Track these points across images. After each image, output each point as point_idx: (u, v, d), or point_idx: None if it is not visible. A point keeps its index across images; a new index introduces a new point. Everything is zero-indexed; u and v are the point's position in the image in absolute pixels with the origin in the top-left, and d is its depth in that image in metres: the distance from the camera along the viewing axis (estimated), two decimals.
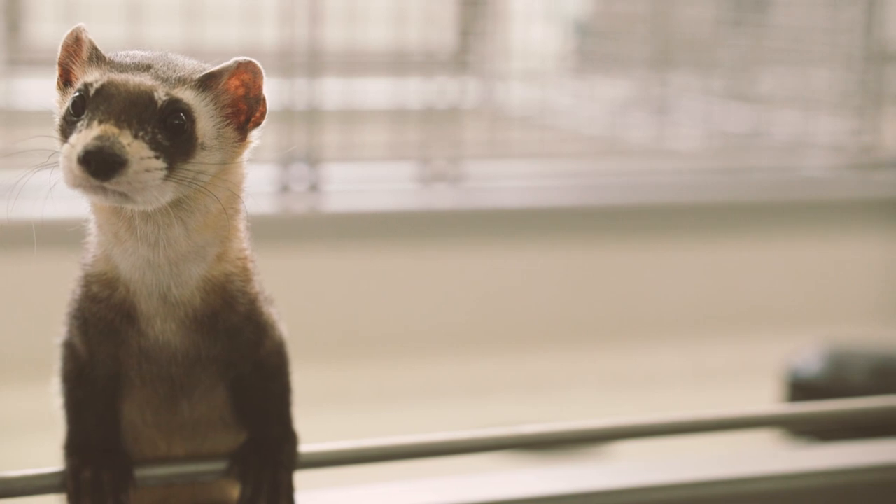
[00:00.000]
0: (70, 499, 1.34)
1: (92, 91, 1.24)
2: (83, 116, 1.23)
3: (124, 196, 1.21)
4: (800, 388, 3.10)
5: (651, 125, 4.00)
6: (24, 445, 2.05)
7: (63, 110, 1.26)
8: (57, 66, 1.31)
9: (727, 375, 3.38)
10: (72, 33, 1.30)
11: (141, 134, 1.22)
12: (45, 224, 3.38)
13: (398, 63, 3.61)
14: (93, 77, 1.26)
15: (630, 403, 3.16)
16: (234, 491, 1.49)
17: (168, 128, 1.24)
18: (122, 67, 1.27)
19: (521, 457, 2.56)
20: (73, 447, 1.37)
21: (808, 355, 3.18)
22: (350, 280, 3.37)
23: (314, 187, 3.32)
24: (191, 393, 1.38)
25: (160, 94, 1.24)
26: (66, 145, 1.22)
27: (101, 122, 1.21)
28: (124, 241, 1.30)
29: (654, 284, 3.69)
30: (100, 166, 1.19)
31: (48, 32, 3.47)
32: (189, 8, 3.30)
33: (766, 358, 3.29)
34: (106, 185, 1.20)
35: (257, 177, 3.24)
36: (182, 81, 1.28)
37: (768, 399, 3.11)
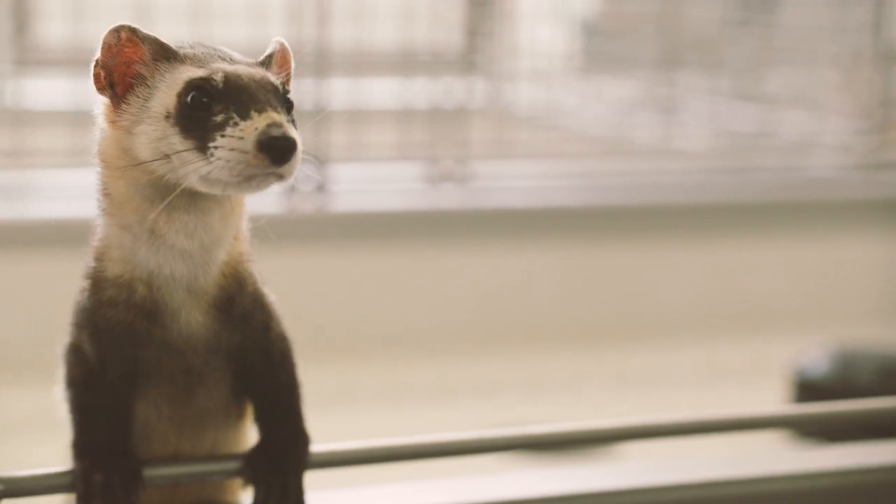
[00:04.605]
0: (81, 502, 1.34)
1: (219, 84, 1.24)
2: (218, 109, 1.23)
3: (281, 179, 1.23)
4: (807, 389, 3.10)
5: (658, 125, 3.99)
6: (24, 446, 2.06)
7: (174, 107, 1.25)
8: (96, 68, 1.29)
9: (734, 376, 3.38)
10: (115, 33, 1.29)
11: (286, 117, 1.25)
12: (45, 224, 3.39)
13: (405, 63, 3.61)
14: (194, 72, 1.26)
15: (637, 404, 3.16)
16: (238, 490, 1.50)
17: (286, 110, 1.28)
18: (208, 58, 1.28)
19: (529, 457, 2.56)
20: (82, 449, 1.37)
21: (815, 356, 3.17)
22: (357, 280, 3.38)
23: (321, 187, 3.33)
24: (207, 381, 1.38)
25: (274, 80, 1.28)
26: (231, 138, 1.21)
27: (259, 111, 1.23)
28: (160, 236, 1.29)
29: (660, 284, 3.68)
30: (281, 152, 1.21)
31: (56, 32, 3.48)
32: (196, 7, 3.30)
33: (773, 358, 3.28)
34: (279, 170, 1.22)
35: None
36: (260, 66, 1.32)
37: (775, 400, 3.10)
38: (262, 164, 1.21)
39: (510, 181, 3.61)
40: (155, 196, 1.28)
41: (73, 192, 3.16)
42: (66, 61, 3.31)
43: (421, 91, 3.61)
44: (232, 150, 1.21)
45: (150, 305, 1.32)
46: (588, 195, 3.66)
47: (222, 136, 1.22)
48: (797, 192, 3.85)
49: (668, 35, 4.06)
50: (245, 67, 1.28)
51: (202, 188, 1.25)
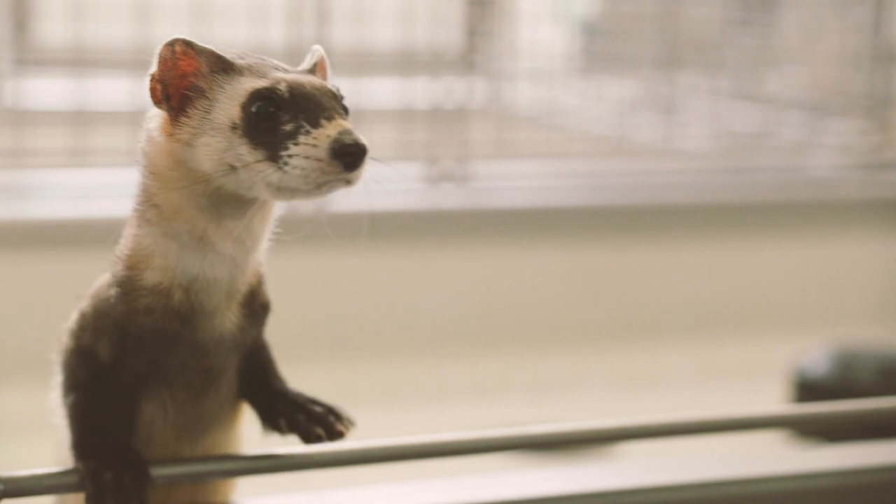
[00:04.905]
0: (90, 501, 1.33)
1: (284, 94, 1.26)
2: (286, 118, 1.25)
3: (349, 185, 1.26)
4: (807, 389, 3.10)
5: (659, 125, 3.99)
6: (24, 446, 2.05)
7: (240, 118, 1.26)
8: (152, 82, 1.30)
9: (735, 376, 3.38)
10: (169, 47, 1.29)
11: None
12: (45, 224, 3.39)
13: (405, 63, 3.61)
14: (257, 82, 1.27)
15: (637, 404, 3.16)
16: (232, 491, 1.51)
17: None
18: (265, 68, 1.30)
19: (529, 457, 2.56)
20: (88, 449, 1.37)
21: (815, 356, 3.17)
22: (356, 280, 3.37)
23: None
24: (220, 382, 1.40)
25: (333, 88, 1.31)
26: (304, 146, 1.24)
27: (328, 118, 1.25)
28: (209, 244, 1.31)
29: (661, 284, 3.68)
30: (354, 158, 1.24)
31: (56, 32, 3.47)
32: (196, 7, 3.30)
33: (773, 358, 3.28)
34: (350, 175, 1.25)
35: None
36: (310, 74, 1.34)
37: (776, 399, 3.10)
38: (336, 170, 1.24)
39: (510, 181, 3.61)
40: (207, 205, 1.29)
41: (73, 192, 3.16)
42: (66, 61, 3.31)
43: (421, 91, 3.61)
44: (306, 157, 1.23)
45: (187, 310, 1.33)
46: (588, 195, 3.66)
47: (294, 144, 1.24)
48: (797, 192, 3.85)
49: (668, 35, 4.06)
50: (305, 76, 1.31)
51: (269, 196, 1.28)
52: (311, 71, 1.36)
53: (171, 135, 1.29)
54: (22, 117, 3.23)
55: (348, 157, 1.24)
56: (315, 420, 1.43)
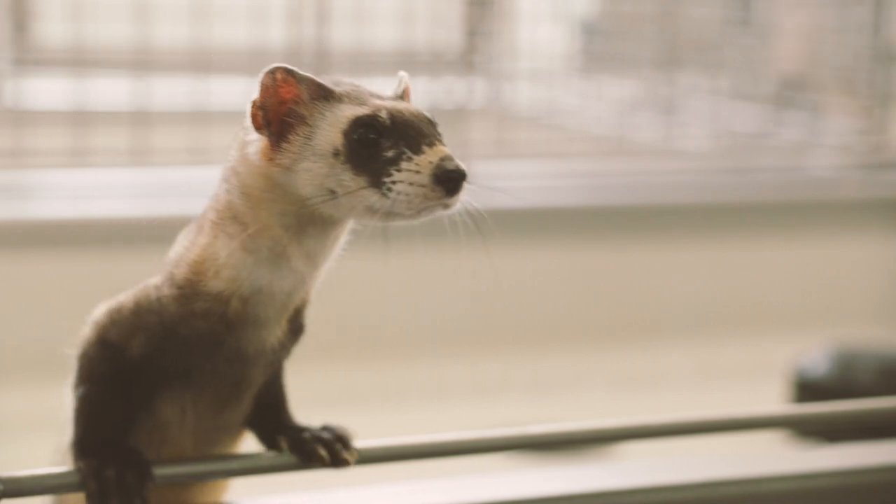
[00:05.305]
0: (93, 499, 1.34)
1: (386, 121, 1.29)
2: (387, 145, 1.28)
3: (447, 209, 1.31)
4: (807, 389, 3.10)
5: (659, 125, 3.99)
6: (24, 446, 2.05)
7: (342, 145, 1.29)
8: (254, 109, 1.32)
9: (734, 376, 3.38)
10: (270, 75, 1.31)
11: None
12: (45, 224, 3.39)
13: (405, 63, 3.61)
14: (358, 110, 1.30)
15: (637, 404, 3.16)
16: (225, 492, 1.52)
17: None
18: (364, 96, 1.33)
19: (529, 457, 2.56)
20: (89, 447, 1.38)
21: (815, 356, 3.17)
22: (356, 280, 3.37)
23: None
24: (247, 392, 1.42)
25: (429, 114, 1.35)
26: (408, 172, 1.27)
27: (429, 144, 1.29)
28: (286, 259, 1.34)
29: (661, 284, 3.68)
30: (456, 183, 1.28)
31: (56, 32, 3.47)
32: (196, 7, 3.30)
33: (773, 358, 3.28)
34: (450, 200, 1.29)
35: None
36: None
37: (775, 399, 3.10)
38: (438, 195, 1.28)
39: (510, 181, 3.61)
40: (294, 225, 1.33)
41: (72, 192, 3.16)
42: (66, 61, 3.31)
43: (421, 91, 3.61)
44: (410, 183, 1.27)
45: (240, 319, 1.35)
46: (588, 195, 3.66)
47: (397, 170, 1.28)
48: (797, 192, 3.85)
49: (667, 35, 4.06)
50: (402, 103, 1.35)
51: (368, 220, 1.33)
52: (400, 97, 1.39)
53: (270, 159, 1.31)
54: (22, 117, 3.23)
55: (450, 182, 1.28)
56: (320, 442, 1.45)
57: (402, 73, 1.42)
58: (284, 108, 1.31)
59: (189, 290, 1.35)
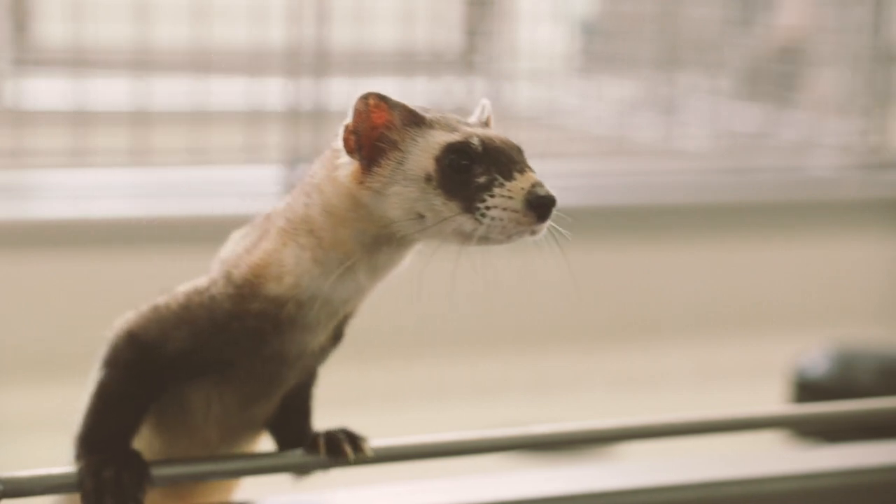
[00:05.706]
0: (88, 498, 1.35)
1: (478, 147, 1.31)
2: (479, 171, 1.30)
3: (535, 234, 1.35)
4: (807, 389, 3.10)
5: (659, 125, 3.99)
6: (24, 446, 2.06)
7: (435, 171, 1.31)
8: (346, 133, 1.34)
9: (734, 376, 3.38)
10: (363, 100, 1.33)
11: None
12: (45, 224, 3.39)
13: (405, 63, 3.61)
14: (449, 136, 1.33)
15: (637, 404, 3.16)
16: (231, 492, 1.52)
17: None
18: (453, 122, 1.36)
19: (529, 457, 2.56)
20: (91, 445, 1.38)
21: (815, 356, 3.17)
22: None
23: None
24: (278, 392, 1.44)
25: (516, 141, 1.36)
26: (501, 198, 1.30)
27: (520, 171, 1.32)
28: (354, 272, 1.36)
29: (661, 284, 3.68)
30: (548, 209, 1.32)
31: (56, 32, 3.48)
32: (196, 7, 3.30)
33: (773, 358, 3.28)
34: (539, 227, 1.33)
35: (262, 177, 3.24)
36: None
37: (775, 399, 3.10)
38: (530, 220, 1.32)
39: None
40: (370, 243, 1.35)
41: (72, 192, 3.16)
42: (66, 61, 3.31)
43: (421, 91, 3.61)
44: (503, 209, 1.30)
45: (290, 321, 1.37)
46: (589, 195, 3.65)
47: (490, 196, 1.30)
48: (797, 192, 3.85)
49: (667, 35, 4.06)
50: (490, 131, 1.37)
51: (456, 244, 1.36)
52: (485, 124, 1.41)
53: (361, 182, 1.33)
54: (22, 117, 3.23)
55: (542, 208, 1.32)
56: (325, 434, 1.47)
57: (485, 101, 1.44)
58: (376, 133, 1.33)
59: (247, 291, 1.36)
